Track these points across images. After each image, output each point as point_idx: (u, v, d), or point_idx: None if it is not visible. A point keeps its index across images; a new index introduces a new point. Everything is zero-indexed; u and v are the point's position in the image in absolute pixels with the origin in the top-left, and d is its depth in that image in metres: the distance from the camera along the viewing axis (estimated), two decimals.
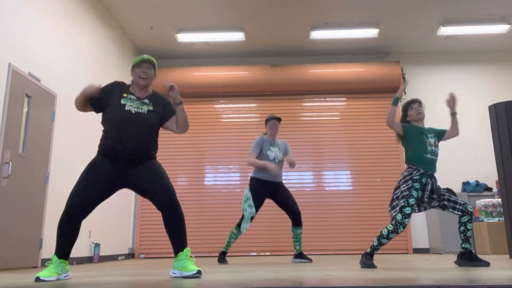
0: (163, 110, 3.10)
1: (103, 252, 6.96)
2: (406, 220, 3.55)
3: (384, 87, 8.69)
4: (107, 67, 7.34)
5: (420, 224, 8.30)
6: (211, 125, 8.84)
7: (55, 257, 2.85)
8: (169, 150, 8.72)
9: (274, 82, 8.60)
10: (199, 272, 2.76)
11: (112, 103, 2.98)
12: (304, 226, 8.29)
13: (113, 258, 7.34)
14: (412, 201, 3.60)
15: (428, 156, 3.75)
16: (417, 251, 8.18)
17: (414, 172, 3.70)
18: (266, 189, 5.01)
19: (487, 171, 8.45)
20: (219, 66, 8.71)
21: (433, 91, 8.90)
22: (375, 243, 3.62)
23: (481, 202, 7.34)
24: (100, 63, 7.06)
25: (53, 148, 5.55)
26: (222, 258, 5.05)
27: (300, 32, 8.15)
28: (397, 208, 3.62)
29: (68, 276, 2.95)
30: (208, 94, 8.89)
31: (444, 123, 8.71)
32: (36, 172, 5.13)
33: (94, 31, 6.85)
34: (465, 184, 8.08)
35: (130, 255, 8.21)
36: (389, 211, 3.72)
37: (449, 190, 7.81)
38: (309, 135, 8.75)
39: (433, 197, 3.74)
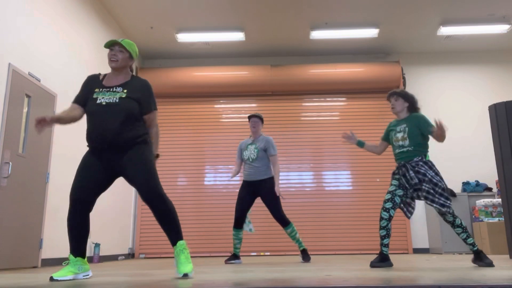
0: (140, 98, 2.97)
1: (103, 252, 6.96)
2: (387, 204, 3.71)
3: (384, 87, 8.69)
4: (107, 67, 7.34)
5: (420, 224, 8.30)
6: (211, 125, 8.84)
7: (71, 256, 2.84)
8: (169, 150, 8.72)
9: (274, 82, 8.60)
10: (185, 275, 2.73)
11: (89, 99, 2.97)
12: (304, 226, 8.29)
13: (113, 258, 7.34)
14: (391, 188, 3.77)
15: (397, 151, 3.86)
16: (417, 251, 8.18)
17: (394, 169, 3.90)
18: (247, 188, 5.08)
19: (487, 171, 8.45)
20: (219, 66, 8.71)
21: (433, 91, 8.90)
22: (380, 239, 3.75)
23: (481, 202, 7.34)
24: (100, 63, 7.06)
25: (53, 148, 5.55)
26: (230, 258, 5.08)
27: (300, 32, 8.16)
28: None
29: (87, 275, 2.89)
30: (208, 94, 8.89)
31: (447, 123, 8.70)
32: (36, 172, 5.13)
33: (94, 31, 6.85)
34: (465, 184, 8.08)
35: (130, 255, 8.21)
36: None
37: (450, 192, 7.81)
38: (309, 135, 8.75)
39: (421, 186, 3.67)
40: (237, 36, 8.08)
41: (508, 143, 4.90)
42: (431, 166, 3.71)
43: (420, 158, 3.74)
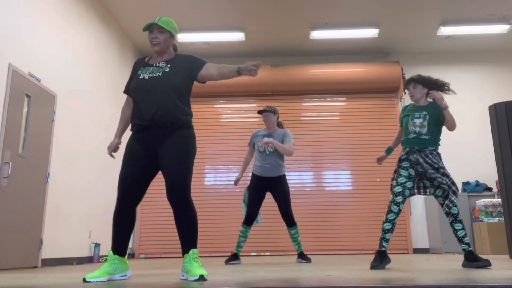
0: (189, 65, 2.90)
1: (103, 252, 6.96)
2: (397, 198, 3.51)
3: (384, 87, 8.69)
4: (107, 67, 7.34)
5: (420, 224, 8.30)
6: (211, 125, 8.84)
7: (111, 253, 2.71)
8: None
9: (274, 82, 8.60)
10: (201, 277, 2.55)
11: (134, 78, 2.91)
12: (304, 226, 8.29)
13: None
14: (401, 179, 3.57)
15: (411, 135, 3.69)
16: (417, 251, 8.18)
17: (401, 153, 3.70)
18: (260, 183, 4.89)
19: (487, 171, 8.45)
20: None
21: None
22: (380, 233, 3.56)
23: (481, 202, 7.33)
24: (100, 63, 7.06)
25: (53, 148, 5.55)
26: (231, 258, 4.90)
27: (300, 32, 8.15)
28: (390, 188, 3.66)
29: (125, 275, 2.74)
30: (208, 94, 8.89)
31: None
32: (36, 172, 5.13)
33: (94, 31, 6.85)
34: (465, 184, 8.08)
35: (130, 255, 8.21)
36: None
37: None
38: (309, 135, 8.75)
39: (431, 175, 3.55)
40: (237, 36, 8.08)
41: (508, 143, 4.90)
42: (441, 159, 3.66)
43: (434, 148, 3.66)
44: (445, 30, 7.97)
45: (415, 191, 3.70)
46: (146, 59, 2.98)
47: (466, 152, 8.58)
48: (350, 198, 8.45)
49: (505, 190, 4.87)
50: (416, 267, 3.55)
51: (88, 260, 6.45)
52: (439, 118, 3.77)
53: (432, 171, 3.54)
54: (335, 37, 8.24)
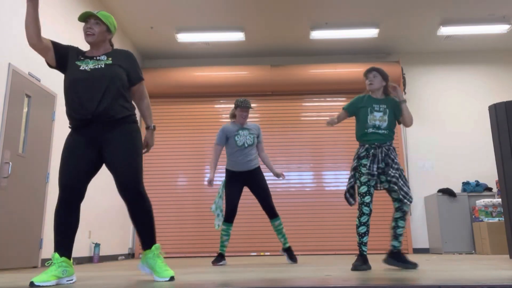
0: (127, 68, 2.75)
1: (103, 252, 6.96)
2: (366, 198, 3.44)
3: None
4: None
5: (420, 224, 8.30)
6: (211, 125, 8.84)
7: (56, 255, 2.51)
8: (169, 150, 8.72)
9: (274, 82, 8.60)
10: (172, 278, 2.55)
11: (69, 66, 2.71)
12: (304, 226, 8.29)
13: (113, 258, 7.35)
14: (364, 178, 3.48)
15: (370, 130, 3.58)
16: (417, 251, 8.18)
17: (360, 149, 3.61)
18: (236, 179, 4.81)
19: (487, 171, 8.45)
20: (219, 66, 8.71)
21: (433, 91, 8.90)
22: (357, 238, 3.50)
23: (481, 202, 7.33)
24: None
25: (53, 148, 5.55)
26: (218, 259, 4.78)
27: (300, 32, 8.15)
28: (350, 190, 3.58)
29: (71, 280, 2.57)
30: (208, 94, 8.89)
31: (447, 123, 8.71)
32: (36, 172, 5.13)
33: None
34: (465, 184, 8.08)
35: (130, 255, 8.21)
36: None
37: (450, 193, 7.81)
38: (309, 135, 8.75)
39: (387, 170, 3.49)
40: (237, 36, 8.08)
41: (508, 143, 4.90)
42: (396, 154, 3.58)
43: (390, 143, 3.60)
44: (445, 30, 7.97)
45: (378, 187, 3.61)
46: (83, 51, 2.82)
47: (466, 152, 8.58)
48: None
49: (505, 190, 4.87)
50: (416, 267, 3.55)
51: (88, 260, 6.45)
52: (397, 113, 3.68)
53: (392, 170, 3.48)
54: (335, 37, 8.24)
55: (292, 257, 4.79)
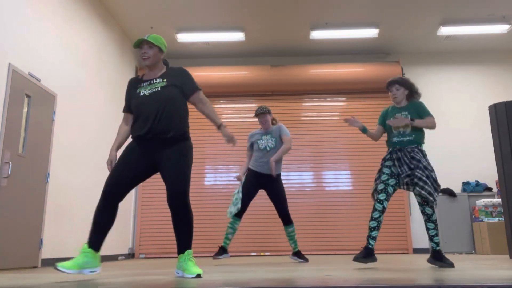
0: (181, 83, 3.06)
1: (103, 252, 6.96)
2: (380, 195, 3.62)
3: (384, 87, 8.68)
4: (107, 67, 7.34)
5: (420, 224, 8.30)
6: (211, 125, 8.84)
7: (85, 245, 2.78)
8: None
9: (274, 82, 8.60)
10: (198, 275, 2.76)
11: (132, 97, 3.06)
12: (304, 226, 8.29)
13: (113, 258, 7.34)
14: (384, 177, 3.68)
15: (395, 139, 3.78)
16: (417, 251, 8.18)
17: (386, 154, 3.84)
18: (256, 179, 4.93)
19: (487, 171, 8.45)
20: (219, 66, 8.71)
21: (433, 91, 8.91)
22: (368, 231, 3.62)
23: (481, 202, 7.34)
24: (100, 63, 7.06)
25: (53, 148, 5.55)
26: (219, 252, 4.86)
27: (300, 32, 8.15)
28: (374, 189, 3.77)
29: (94, 271, 2.78)
30: (208, 94, 8.88)
31: (447, 123, 8.71)
32: (36, 172, 5.13)
33: (94, 31, 6.85)
34: (465, 184, 8.08)
35: (130, 255, 8.21)
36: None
37: (450, 193, 7.81)
38: (309, 135, 8.75)
39: (414, 172, 3.61)
40: (237, 36, 8.08)
41: (508, 143, 4.90)
42: (425, 155, 3.70)
43: (416, 145, 3.72)
44: (445, 30, 7.97)
45: (402, 187, 3.74)
46: (140, 76, 3.15)
47: (466, 152, 8.58)
48: (350, 198, 8.45)
49: (505, 190, 4.87)
50: (416, 267, 3.55)
51: None
52: (420, 117, 3.79)
53: (412, 167, 3.62)
54: (335, 37, 8.24)
55: (302, 258, 5.00)
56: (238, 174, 5.05)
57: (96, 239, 2.80)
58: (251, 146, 5.11)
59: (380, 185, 3.66)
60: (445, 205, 7.71)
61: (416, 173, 3.58)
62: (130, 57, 8.44)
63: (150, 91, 2.98)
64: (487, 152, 8.56)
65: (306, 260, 4.98)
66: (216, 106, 8.93)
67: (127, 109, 3.12)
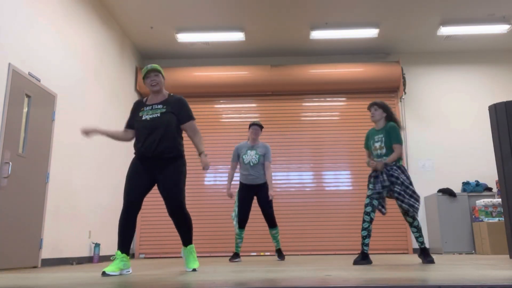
0: (178, 111, 3.51)
1: (103, 252, 6.97)
2: (367, 208, 4.17)
3: (384, 87, 8.70)
4: (107, 67, 7.34)
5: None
6: (211, 125, 8.84)
7: (119, 252, 3.27)
8: None
9: (274, 82, 8.60)
10: (193, 270, 3.42)
11: (136, 119, 3.54)
12: (304, 226, 8.29)
13: (113, 258, 7.34)
14: (369, 192, 4.23)
15: (376, 159, 4.35)
16: (417, 251, 8.18)
17: (371, 173, 4.36)
18: (247, 191, 5.49)
19: (487, 171, 8.45)
20: (219, 66, 8.71)
21: (433, 91, 8.91)
22: (361, 239, 4.20)
23: (481, 202, 7.34)
24: (100, 63, 7.06)
25: (53, 148, 5.55)
26: (234, 256, 5.43)
27: (300, 32, 8.16)
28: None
29: (129, 271, 3.32)
30: (208, 94, 8.89)
31: (447, 123, 8.71)
32: (36, 172, 5.13)
33: (94, 31, 6.85)
34: (465, 184, 8.08)
35: (130, 255, 8.22)
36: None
37: (450, 193, 7.81)
38: (309, 135, 8.75)
39: (392, 187, 4.16)
40: (237, 36, 8.08)
41: (508, 143, 4.90)
42: (403, 171, 4.20)
43: (394, 163, 4.21)
44: (445, 30, 7.97)
45: (386, 196, 4.27)
46: (144, 100, 3.62)
47: (466, 152, 8.59)
48: (350, 198, 8.45)
49: (505, 190, 4.87)
50: (416, 267, 3.55)
51: (88, 260, 6.45)
52: (392, 137, 4.31)
53: (389, 184, 4.15)
54: (335, 37, 8.24)
55: (281, 256, 5.64)
56: (226, 191, 5.53)
57: (125, 245, 3.30)
58: (237, 157, 5.62)
59: (366, 199, 4.22)
60: (445, 205, 7.71)
61: (395, 189, 4.11)
62: (130, 57, 8.44)
63: (151, 116, 3.44)
64: (487, 152, 8.56)
65: (283, 259, 5.58)
66: (216, 106, 8.93)
67: (128, 126, 3.62)
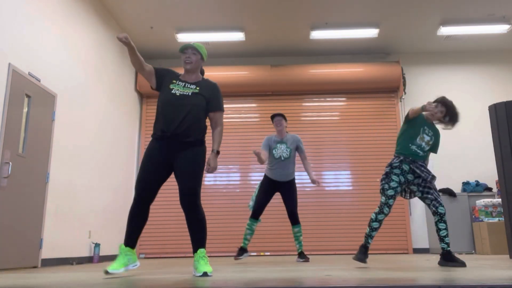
0: (210, 97, 3.23)
1: (103, 252, 6.96)
2: (390, 201, 3.80)
3: (384, 87, 8.70)
4: (107, 67, 7.34)
5: (420, 224, 8.30)
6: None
7: (122, 246, 3.02)
8: None
9: (274, 82, 8.60)
10: (204, 273, 2.90)
11: (164, 87, 3.22)
12: (305, 226, 8.29)
13: (113, 258, 7.34)
14: (393, 184, 3.83)
15: (414, 148, 3.91)
16: (417, 251, 8.18)
17: (394, 160, 3.93)
18: (271, 185, 5.15)
19: (487, 171, 8.45)
20: (219, 66, 8.71)
21: (433, 91, 8.90)
22: (367, 230, 3.85)
23: (481, 202, 7.33)
24: (100, 63, 7.06)
25: (53, 148, 5.55)
26: (240, 253, 5.06)
27: (300, 32, 8.15)
28: (380, 190, 3.91)
29: (136, 265, 3.08)
30: None
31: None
32: (36, 172, 5.13)
33: (94, 31, 6.85)
34: (465, 184, 8.08)
35: None
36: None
37: (450, 193, 7.81)
38: (309, 135, 8.75)
39: (418, 182, 3.89)
40: (237, 36, 8.08)
41: (508, 143, 4.90)
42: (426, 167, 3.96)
43: (423, 161, 3.94)
44: (445, 30, 7.97)
45: (402, 194, 4.02)
46: (178, 74, 3.32)
47: (466, 152, 8.58)
48: (350, 198, 8.45)
49: (505, 190, 4.87)
50: (416, 267, 3.55)
51: (88, 260, 6.45)
52: (436, 144, 4.05)
53: (423, 180, 3.88)
54: (335, 37, 8.24)
55: (304, 257, 5.16)
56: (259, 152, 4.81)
57: (133, 238, 3.05)
58: (268, 147, 5.19)
59: (390, 191, 3.82)
60: (445, 205, 7.71)
61: (434, 183, 3.87)
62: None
63: (181, 92, 3.15)
64: (487, 152, 8.56)
65: (307, 259, 5.11)
66: None
67: (153, 69, 3.27)
